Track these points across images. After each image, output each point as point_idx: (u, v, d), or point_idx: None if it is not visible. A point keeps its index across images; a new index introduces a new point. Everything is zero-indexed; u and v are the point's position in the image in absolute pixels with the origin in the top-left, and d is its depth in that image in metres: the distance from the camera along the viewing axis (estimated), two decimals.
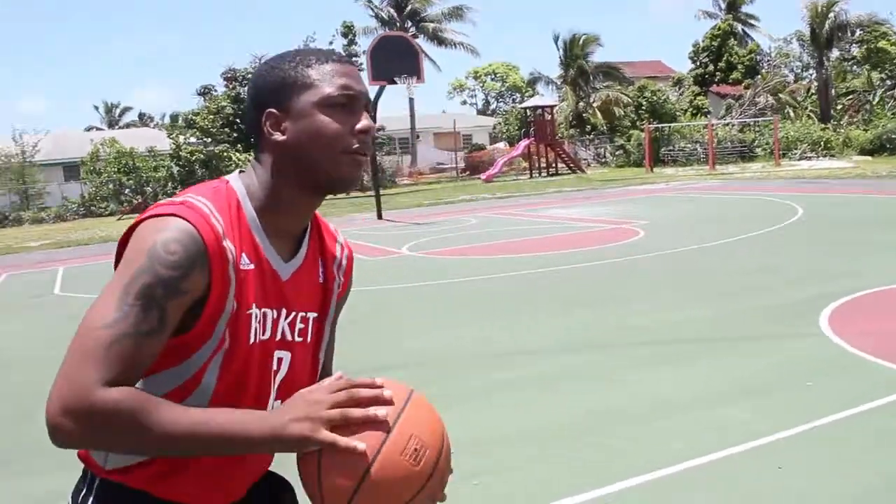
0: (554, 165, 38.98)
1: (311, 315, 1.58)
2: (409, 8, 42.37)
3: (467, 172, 43.00)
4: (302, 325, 1.56)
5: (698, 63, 47.19)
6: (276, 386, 1.53)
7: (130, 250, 1.35)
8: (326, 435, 1.27)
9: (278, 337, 1.51)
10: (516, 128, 45.63)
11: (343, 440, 1.27)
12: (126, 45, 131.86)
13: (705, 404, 5.15)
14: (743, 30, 48.71)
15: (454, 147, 44.76)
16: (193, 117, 38.36)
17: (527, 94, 48.74)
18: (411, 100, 43.98)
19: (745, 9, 48.88)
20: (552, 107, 40.93)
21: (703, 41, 47.20)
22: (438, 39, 43.49)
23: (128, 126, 57.95)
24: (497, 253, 13.16)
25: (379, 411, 1.29)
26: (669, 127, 39.24)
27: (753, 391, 5.33)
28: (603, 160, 43.03)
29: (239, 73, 42.73)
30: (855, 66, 43.65)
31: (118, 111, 72.11)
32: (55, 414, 1.25)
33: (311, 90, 1.45)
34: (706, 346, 6.60)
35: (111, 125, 67.21)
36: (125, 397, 1.26)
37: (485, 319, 8.24)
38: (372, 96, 29.91)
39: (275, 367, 1.52)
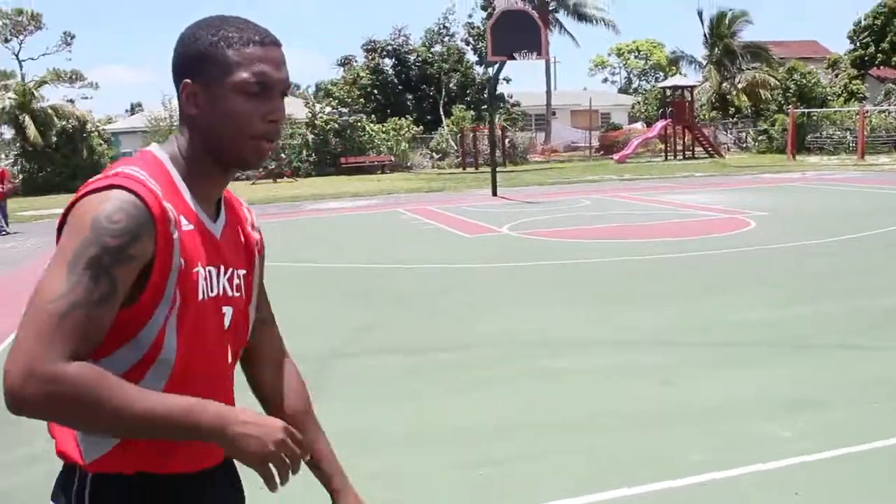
0: (691, 149, 37.60)
1: (241, 272, 1.62)
2: None
3: (601, 152, 42.11)
4: (238, 281, 1.60)
5: (858, 44, 44.18)
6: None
7: (72, 226, 1.36)
8: (264, 462, 1.37)
9: (221, 292, 1.54)
10: (655, 108, 44.18)
11: (272, 476, 1.38)
12: (277, 10, 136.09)
13: (749, 415, 4.77)
14: None
15: (589, 126, 43.86)
16: (331, 87, 39.17)
17: (670, 74, 47.00)
18: (548, 76, 43.48)
19: None
20: (692, 87, 39.39)
21: (864, 20, 44.12)
22: (579, 14, 42.56)
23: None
24: (597, 237, 12.76)
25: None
26: (818, 112, 37.02)
27: (808, 405, 4.89)
28: (744, 145, 41.12)
29: (378, 44, 43.43)
30: None
31: None
32: (16, 380, 1.26)
33: (227, 72, 1.44)
34: (777, 352, 6.12)
35: None
36: (82, 373, 1.28)
37: (561, 305, 8.00)
38: (492, 71, 29.54)
39: (227, 323, 1.56)
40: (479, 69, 44.15)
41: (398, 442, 4.63)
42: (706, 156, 36.60)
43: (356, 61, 44.00)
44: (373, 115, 39.48)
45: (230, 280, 1.57)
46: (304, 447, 1.44)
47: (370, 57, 43.11)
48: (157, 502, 1.48)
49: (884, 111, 37.03)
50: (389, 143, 37.82)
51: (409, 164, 38.17)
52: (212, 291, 1.51)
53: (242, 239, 1.66)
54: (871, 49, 43.44)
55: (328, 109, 38.20)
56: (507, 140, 37.70)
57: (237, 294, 1.59)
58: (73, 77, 47.06)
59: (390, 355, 6.47)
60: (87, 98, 65.09)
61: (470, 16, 42.83)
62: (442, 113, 40.55)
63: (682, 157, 37.15)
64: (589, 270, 9.91)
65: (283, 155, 36.55)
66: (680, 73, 43.74)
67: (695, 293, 8.38)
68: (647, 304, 7.92)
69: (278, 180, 32.90)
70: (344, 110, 38.32)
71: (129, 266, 1.35)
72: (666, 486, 3.85)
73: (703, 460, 4.12)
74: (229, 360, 1.60)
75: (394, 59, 43.14)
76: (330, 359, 6.33)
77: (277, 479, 1.39)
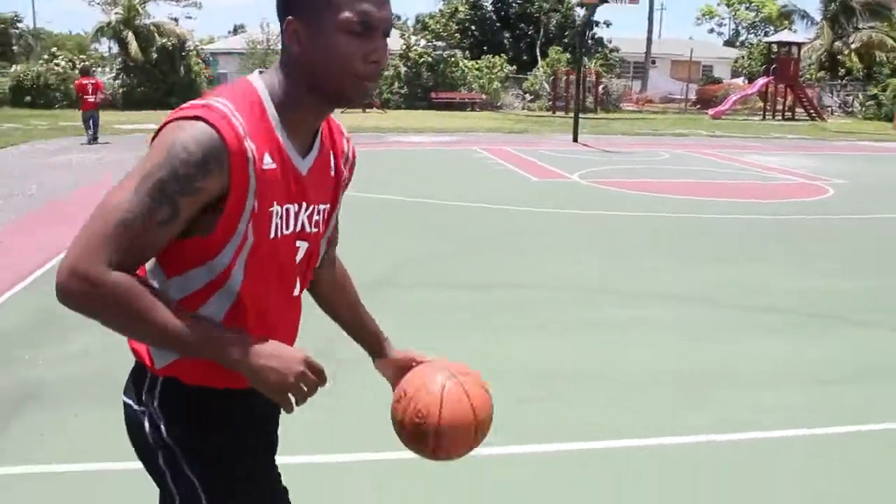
0: (791, 109, 36.13)
1: (324, 207, 1.67)
2: None
3: (698, 106, 40.85)
4: (318, 217, 1.65)
5: None
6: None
7: (153, 148, 1.45)
8: (283, 392, 1.49)
9: (298, 229, 1.60)
10: (759, 64, 42.44)
11: (289, 403, 1.50)
12: None
13: (776, 383, 4.72)
14: None
15: (688, 77, 42.54)
16: (428, 20, 38.93)
17: (780, 28, 44.93)
18: (650, 23, 42.26)
19: None
20: (800, 44, 37.65)
21: None
22: None
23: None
24: (666, 191, 12.52)
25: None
26: None
27: (835, 379, 4.80)
28: (850, 109, 39.28)
29: None
30: None
31: None
32: (63, 276, 1.39)
33: (330, 10, 1.46)
34: (826, 323, 6.03)
35: None
36: (119, 282, 1.39)
37: (621, 258, 7.95)
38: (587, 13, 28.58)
39: (299, 257, 1.64)
40: (580, 11, 43.17)
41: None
42: (807, 118, 35.16)
43: None
44: (468, 52, 39.15)
45: (310, 217, 1.62)
46: (322, 377, 1.53)
47: None
48: (213, 410, 1.61)
49: None
50: (482, 81, 37.55)
51: (499, 103, 37.87)
52: (286, 229, 1.57)
53: (333, 172, 1.69)
54: None
55: (423, 42, 38.07)
56: (601, 86, 36.95)
57: (314, 230, 1.65)
58: None
59: (453, 289, 6.64)
60: (190, 18, 66.54)
61: None
62: (538, 54, 39.92)
63: (780, 118, 35.76)
64: (648, 224, 9.77)
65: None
66: (790, 29, 41.83)
67: (763, 257, 8.20)
68: (714, 263, 7.82)
69: (367, 110, 33.12)
70: (439, 44, 38.12)
71: (194, 197, 1.42)
72: (643, 442, 3.90)
73: (706, 423, 4.13)
74: (296, 291, 1.68)
75: None
76: (389, 287, 6.51)
77: (294, 405, 1.51)
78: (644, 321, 5.86)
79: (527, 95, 38.57)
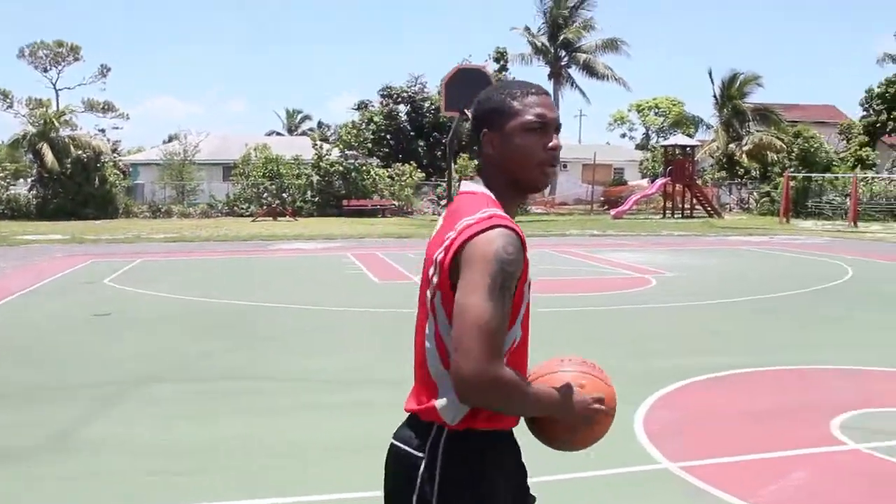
0: (689, 208, 37.76)
1: None
2: (561, 38, 42.38)
3: (606, 207, 42.41)
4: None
5: (870, 111, 44.14)
6: None
7: (479, 260, 1.82)
8: (585, 427, 2.03)
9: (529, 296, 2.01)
10: (661, 165, 44.47)
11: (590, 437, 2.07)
12: (323, 57, 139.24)
13: None
14: None
15: (592, 180, 44.26)
16: (339, 130, 40.23)
17: (686, 132, 47.25)
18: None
19: None
20: (693, 147, 39.67)
21: (877, 87, 44.10)
22: (590, 71, 43.22)
23: (304, 134, 61.39)
24: None
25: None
26: (823, 177, 36.98)
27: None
28: (746, 206, 41.16)
29: (395, 90, 44.48)
30: None
31: (299, 118, 76.44)
32: (470, 381, 1.78)
33: (515, 118, 1.97)
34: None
35: (290, 131, 71.34)
36: (513, 376, 1.82)
37: (392, 351, 8.49)
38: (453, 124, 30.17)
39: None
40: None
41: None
42: (705, 215, 36.77)
43: (373, 106, 45.13)
44: (377, 160, 40.35)
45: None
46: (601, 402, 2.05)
47: (385, 102, 44.20)
48: (489, 448, 1.99)
49: (887, 179, 36.82)
50: (393, 188, 38.66)
51: (411, 209, 38.91)
52: (530, 293, 1.99)
53: None
54: (884, 116, 43.38)
55: (335, 152, 39.22)
56: None
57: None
58: (105, 108, 48.98)
59: (193, 383, 7.19)
60: (117, 128, 67.48)
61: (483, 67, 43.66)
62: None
63: (680, 216, 37.32)
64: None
65: (284, 194, 37.60)
66: (688, 134, 44.02)
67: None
68: None
69: (279, 218, 33.84)
70: (350, 153, 39.30)
71: (516, 283, 1.85)
72: None
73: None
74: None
75: (408, 106, 44.17)
76: (151, 382, 7.13)
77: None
78: (367, 404, 6.38)
79: (441, 200, 39.74)
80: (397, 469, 2.03)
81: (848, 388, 6.96)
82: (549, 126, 1.97)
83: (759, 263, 17.96)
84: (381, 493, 2.08)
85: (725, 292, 12.78)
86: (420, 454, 1.97)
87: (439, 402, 1.94)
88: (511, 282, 1.81)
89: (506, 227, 1.84)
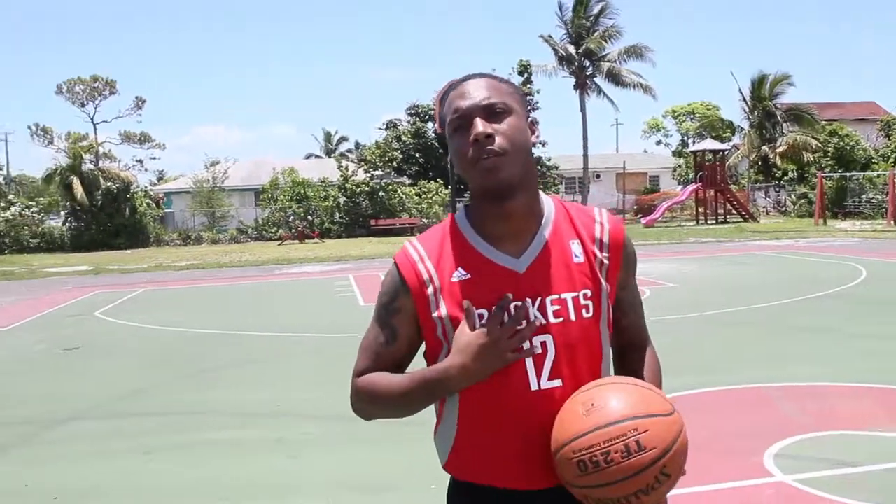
0: (724, 213, 36.87)
1: (569, 295, 1.70)
2: (583, 47, 41.90)
3: (639, 215, 41.67)
4: (558, 307, 1.68)
5: None
6: (547, 366, 1.67)
7: None
8: (502, 361, 1.65)
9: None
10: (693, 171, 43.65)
11: (519, 356, 1.67)
12: (364, 78, 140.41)
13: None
14: None
15: (624, 189, 43.56)
16: (365, 150, 40.28)
17: (726, 136, 46.29)
18: (584, 140, 43.49)
19: None
20: (723, 151, 38.78)
21: None
22: (615, 79, 42.61)
23: (342, 155, 61.65)
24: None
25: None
26: (861, 175, 35.76)
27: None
28: (783, 209, 40.06)
29: (421, 108, 44.44)
30: None
31: (336, 139, 76.70)
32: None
33: (445, 124, 1.72)
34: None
35: (329, 153, 71.68)
36: (361, 381, 1.77)
37: (297, 380, 8.25)
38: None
39: (538, 351, 1.66)
40: None
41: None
42: (739, 220, 35.86)
43: (402, 124, 45.12)
44: (407, 178, 40.26)
45: (542, 308, 1.67)
46: (505, 319, 1.64)
47: (412, 121, 44.17)
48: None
49: None
50: (421, 206, 38.51)
51: None
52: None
53: (579, 259, 1.73)
54: None
55: (361, 173, 39.24)
56: None
57: (557, 320, 1.67)
58: (142, 139, 49.93)
59: (121, 419, 6.96)
60: (154, 158, 68.65)
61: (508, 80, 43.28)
62: None
63: (714, 221, 36.47)
64: None
65: (311, 216, 37.68)
66: (723, 137, 43.09)
67: None
68: None
69: (306, 241, 33.88)
70: (377, 173, 39.28)
71: (398, 315, 1.74)
72: None
73: None
74: (540, 381, 1.67)
75: (435, 123, 43.90)
76: (71, 420, 6.97)
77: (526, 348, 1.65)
78: (282, 440, 6.12)
79: None
80: None
81: (800, 409, 6.45)
82: (468, 116, 1.65)
83: (765, 270, 17.22)
84: None
85: (705, 305, 12.20)
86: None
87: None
88: (385, 310, 1.76)
89: (395, 260, 1.78)
